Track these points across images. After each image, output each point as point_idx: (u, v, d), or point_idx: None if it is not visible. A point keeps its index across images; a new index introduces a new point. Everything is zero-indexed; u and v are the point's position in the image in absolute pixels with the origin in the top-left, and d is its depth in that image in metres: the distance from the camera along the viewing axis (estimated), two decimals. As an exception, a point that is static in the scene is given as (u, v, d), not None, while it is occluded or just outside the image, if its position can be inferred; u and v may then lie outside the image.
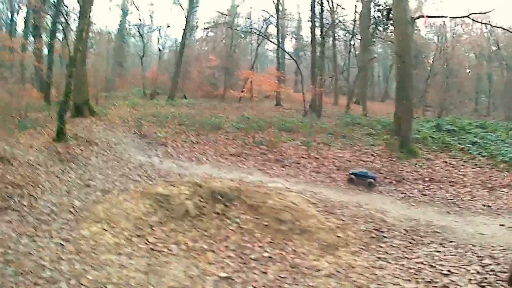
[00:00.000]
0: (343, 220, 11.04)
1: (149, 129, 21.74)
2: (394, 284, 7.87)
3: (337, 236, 9.79)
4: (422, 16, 22.60)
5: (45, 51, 36.90)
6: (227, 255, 9.01)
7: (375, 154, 18.76)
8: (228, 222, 10.26)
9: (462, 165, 18.19)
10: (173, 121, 24.14)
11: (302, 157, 18.12)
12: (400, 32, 19.68)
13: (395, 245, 9.75)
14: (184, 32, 42.92)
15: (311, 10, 35.70)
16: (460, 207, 13.49)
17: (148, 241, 9.35)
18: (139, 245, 9.18)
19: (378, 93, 56.47)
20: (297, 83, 49.02)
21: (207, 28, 53.76)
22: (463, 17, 25.60)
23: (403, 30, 19.48)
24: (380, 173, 16.38)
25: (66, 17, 32.26)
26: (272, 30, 50.04)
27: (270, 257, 8.98)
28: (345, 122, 25.38)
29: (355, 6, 43.47)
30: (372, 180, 15.14)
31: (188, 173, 15.00)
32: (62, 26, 29.92)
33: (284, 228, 9.96)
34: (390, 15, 23.79)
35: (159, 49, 50.84)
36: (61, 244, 9.07)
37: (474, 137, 21.56)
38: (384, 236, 10.25)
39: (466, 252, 9.46)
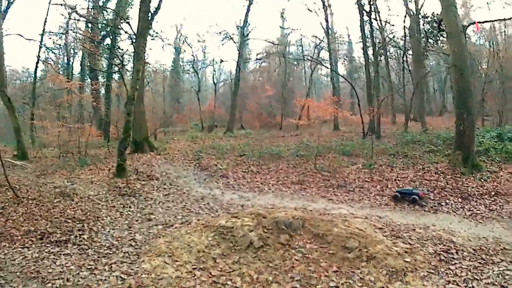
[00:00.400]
0: (410, 243, 10.30)
1: (209, 162, 21.61)
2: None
3: (405, 261, 9.13)
4: (474, 23, 21.47)
5: (103, 91, 38.37)
6: (293, 286, 8.53)
7: (439, 172, 17.70)
8: (293, 252, 9.75)
9: None
10: (232, 153, 24.01)
11: (365, 181, 17.36)
12: (453, 43, 18.76)
13: (464, 266, 9.10)
14: (237, 64, 43.59)
15: (361, 31, 35.37)
16: None
17: (211, 274, 8.97)
18: (202, 278, 8.82)
19: (435, 107, 54.54)
20: (353, 105, 48.30)
21: (259, 58, 54.41)
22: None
23: (456, 40, 18.59)
24: (445, 191, 15.37)
25: (121, 59, 33.23)
26: (324, 54, 50.12)
27: (336, 286, 8.46)
28: (405, 141, 24.43)
29: (404, 21, 42.85)
30: (415, 196, 14.57)
31: (250, 204, 14.60)
32: (118, 67, 30.75)
33: (351, 256, 9.38)
34: (441, 26, 23.00)
35: (214, 83, 51.45)
36: (121, 277, 8.89)
37: None
38: (453, 258, 9.53)
39: (538, 269, 8.71)
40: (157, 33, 39.27)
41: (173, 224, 12.24)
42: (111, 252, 10.35)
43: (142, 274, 8.94)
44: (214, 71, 57.58)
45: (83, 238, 11.32)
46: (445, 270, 8.95)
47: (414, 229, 11.51)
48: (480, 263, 9.25)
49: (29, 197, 14.54)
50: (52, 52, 42.35)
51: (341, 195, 15.87)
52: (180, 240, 10.34)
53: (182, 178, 18.90)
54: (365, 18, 34.77)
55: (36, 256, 10.14)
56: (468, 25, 20.56)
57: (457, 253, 9.78)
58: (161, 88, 48.97)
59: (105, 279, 8.82)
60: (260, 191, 16.63)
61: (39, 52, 36.15)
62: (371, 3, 34.72)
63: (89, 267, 9.49)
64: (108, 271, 9.26)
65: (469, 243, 10.42)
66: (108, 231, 11.82)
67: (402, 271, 8.79)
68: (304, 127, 38.20)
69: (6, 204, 13.94)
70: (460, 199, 14.65)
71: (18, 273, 9.34)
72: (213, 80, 52.71)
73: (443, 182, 16.40)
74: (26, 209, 13.42)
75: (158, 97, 49.24)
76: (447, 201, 14.62)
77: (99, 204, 14.32)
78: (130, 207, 14.21)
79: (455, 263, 9.26)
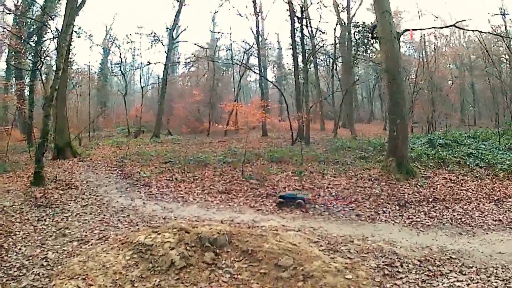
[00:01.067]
0: (350, 258, 9.81)
1: (132, 169, 20.71)
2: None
3: (346, 278, 8.55)
4: (408, 30, 21.98)
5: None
6: None
7: (372, 178, 17.65)
8: (219, 272, 9.03)
9: (463, 179, 17.36)
10: (157, 159, 23.15)
11: (296, 189, 16.84)
12: (387, 49, 18.99)
13: (411, 280, 8.66)
14: (165, 68, 42.82)
15: (291, 37, 35.40)
16: (470, 225, 12.53)
17: None
18: None
19: (363, 114, 56.18)
20: (282, 111, 48.67)
21: (188, 62, 53.70)
22: (450, 26, 25.09)
23: (389, 46, 18.82)
24: (381, 199, 15.18)
25: (41, 58, 31.60)
26: (254, 61, 49.92)
27: None
28: (335, 148, 24.47)
29: (334, 29, 43.93)
30: (300, 200, 14.57)
31: (173, 215, 13.82)
32: (36, 66, 29.20)
33: (285, 275, 8.71)
34: (374, 33, 23.44)
35: (141, 87, 50.12)
36: None
37: (468, 148, 21.12)
38: (398, 271, 9.10)
39: (489, 277, 8.67)
40: (80, 28, 37.84)
41: (89, 240, 11.30)
42: (21, 274, 9.39)
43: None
44: (142, 74, 56.19)
45: (-8, 257, 10.37)
46: (391, 286, 8.50)
47: (352, 241, 11.07)
48: (428, 275, 8.86)
49: None
50: None
51: (271, 205, 15.15)
52: (96, 260, 9.57)
53: (103, 187, 17.87)
54: (296, 24, 34.86)
55: None
56: (402, 32, 20.91)
57: (401, 266, 9.36)
58: (87, 91, 47.07)
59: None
60: (184, 201, 15.83)
61: None
62: (303, 10, 34.75)
63: None
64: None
65: (413, 254, 10.08)
66: (20, 249, 10.80)
67: None
68: (232, 133, 38.03)
69: None
70: (397, 207, 14.38)
71: None
72: (140, 84, 51.36)
73: (378, 189, 16.27)
74: None
75: (83, 100, 47.32)
76: (384, 209, 14.32)
77: (13, 216, 13.24)
78: (45, 220, 13.12)
79: (401, 277, 8.81)
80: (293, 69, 37.33)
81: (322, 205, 14.89)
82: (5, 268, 9.76)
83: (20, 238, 11.57)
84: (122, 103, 47.52)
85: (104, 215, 13.77)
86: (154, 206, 15.21)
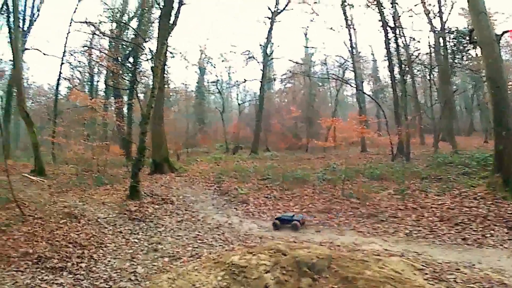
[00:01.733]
0: None
1: (229, 185, 20.18)
2: None
3: None
4: (507, 32, 19.45)
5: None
6: None
7: (478, 197, 15.42)
8: None
9: None
10: (255, 176, 22.47)
11: (398, 209, 15.25)
12: (487, 54, 16.78)
13: None
14: (261, 84, 42.71)
15: (385, 48, 33.16)
16: None
17: None
18: None
19: (462, 127, 51.89)
20: (379, 126, 46.51)
21: (284, 79, 53.43)
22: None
23: (490, 50, 16.64)
24: (488, 220, 13.15)
25: (137, 78, 32.77)
26: (349, 74, 48.20)
27: None
28: (437, 163, 22.26)
29: (428, 37, 41.41)
30: (296, 222, 13.65)
31: (270, 235, 12.93)
32: (132, 85, 30.21)
33: None
34: (472, 37, 21.12)
35: (239, 104, 50.53)
36: None
37: None
38: None
39: None
40: (174, 49, 38.86)
41: (181, 257, 10.73)
42: (107, 286, 9.03)
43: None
44: (239, 91, 56.75)
45: (80, 267, 10.07)
46: None
47: (459, 269, 9.48)
48: None
49: (36, 216, 13.61)
50: (76, 69, 42.47)
51: (372, 226, 13.81)
52: (186, 278, 8.85)
53: (199, 202, 17.49)
54: (390, 35, 32.90)
55: (27, 283, 9.04)
56: (502, 34, 18.65)
57: None
58: (185, 108, 48.13)
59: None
60: (282, 220, 15.04)
61: (60, 69, 36.12)
62: (395, 18, 32.67)
63: None
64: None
65: None
66: (109, 261, 10.49)
67: None
68: (330, 149, 36.56)
69: (11, 221, 13.08)
70: (505, 229, 12.32)
71: (4, 302, 8.17)
72: (237, 101, 51.69)
73: (485, 209, 14.22)
74: (29, 228, 12.46)
75: (182, 117, 48.37)
76: (492, 232, 12.37)
77: (105, 228, 13.10)
78: (137, 233, 12.85)
79: None
80: (390, 81, 35.21)
81: (426, 227, 13.24)
82: (92, 278, 9.48)
83: (111, 250, 11.28)
84: (220, 120, 48.10)
85: (199, 232, 13.19)
86: (251, 224, 14.41)
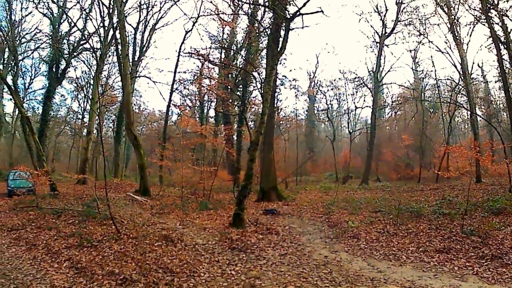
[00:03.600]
0: None
1: (339, 217, 18.47)
2: None
3: None
4: None
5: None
6: None
7: None
8: None
9: None
10: (366, 208, 20.57)
11: None
12: None
13: None
14: (372, 111, 41.40)
15: (499, 67, 29.40)
16: None
17: None
18: None
19: None
20: (493, 154, 41.96)
21: (395, 106, 51.03)
22: None
23: None
24: None
25: (246, 105, 32.57)
26: (460, 99, 44.23)
27: None
28: None
29: None
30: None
31: (383, 278, 10.89)
32: (239, 111, 29.86)
33: None
34: None
35: (349, 132, 48.75)
36: None
37: None
38: None
39: None
40: (284, 76, 38.47)
41: (282, 298, 9.12)
42: None
43: None
44: (349, 119, 54.89)
45: (167, 295, 8.95)
46: None
47: None
48: None
49: (131, 235, 13.15)
50: (188, 98, 43.77)
51: (497, 270, 11.30)
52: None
53: (306, 234, 15.81)
54: (502, 51, 28.98)
55: None
56: None
57: None
58: (295, 136, 47.42)
59: None
60: (396, 259, 12.74)
61: (170, 96, 37.18)
62: (507, 33, 28.52)
63: None
64: None
65: None
66: (199, 291, 9.23)
67: None
68: (444, 180, 34.13)
69: (105, 237, 12.95)
70: None
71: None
72: (348, 129, 50.07)
73: None
74: (122, 247, 12.03)
75: (292, 145, 47.58)
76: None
77: (202, 256, 11.96)
78: (236, 264, 11.45)
79: None
80: (506, 103, 30.97)
81: None
82: None
83: (204, 281, 10.04)
84: (330, 148, 47.11)
85: (303, 269, 11.46)
86: (362, 263, 12.42)
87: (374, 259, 12.93)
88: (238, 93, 35.58)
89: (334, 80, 64.60)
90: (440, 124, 49.79)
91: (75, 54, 39.93)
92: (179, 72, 40.29)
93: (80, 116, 51.91)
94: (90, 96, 41.96)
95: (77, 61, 44.42)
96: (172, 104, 38.80)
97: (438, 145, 41.28)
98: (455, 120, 54.15)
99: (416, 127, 45.78)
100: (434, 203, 20.85)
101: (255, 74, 31.89)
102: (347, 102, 61.52)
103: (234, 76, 37.63)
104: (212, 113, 46.83)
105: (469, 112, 40.21)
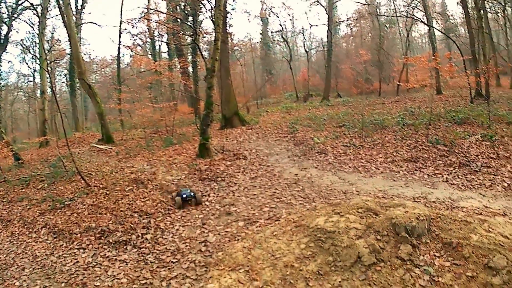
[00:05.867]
0: None
1: (304, 135, 18.57)
2: None
3: None
4: None
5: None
6: None
7: None
8: (416, 273, 6.36)
9: None
10: (330, 124, 20.68)
11: (490, 157, 13.09)
12: None
13: None
14: (328, 28, 40.39)
15: None
16: None
17: None
18: None
19: None
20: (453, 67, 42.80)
21: (350, 23, 50.70)
22: None
23: None
24: None
25: (198, 33, 31.72)
26: (417, 14, 44.01)
27: None
28: None
29: None
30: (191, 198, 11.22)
31: (355, 189, 11.32)
32: (191, 38, 29.04)
33: (497, 282, 5.88)
34: None
35: (306, 51, 48.20)
36: None
37: None
38: None
39: None
40: (235, 1, 37.54)
41: (257, 220, 9.33)
42: (174, 261, 7.95)
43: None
44: (305, 39, 54.27)
45: (146, 239, 9.11)
46: None
47: None
48: None
49: (101, 186, 12.88)
50: (137, 37, 42.55)
51: (466, 177, 11.87)
52: (263, 247, 7.47)
53: (274, 155, 15.97)
54: None
55: (88, 262, 8.37)
56: None
57: None
58: (252, 60, 46.74)
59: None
60: (366, 171, 13.08)
61: (119, 38, 35.93)
62: None
63: (144, 282, 7.29)
64: (165, 289, 6.82)
65: None
66: (177, 229, 9.42)
67: None
68: (404, 93, 34.70)
69: (76, 194, 12.57)
70: None
71: (63, 284, 7.66)
72: (304, 48, 49.42)
73: None
74: (94, 200, 11.80)
75: (249, 69, 47.07)
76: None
77: (174, 192, 11.91)
78: (209, 195, 11.63)
79: None
80: (463, 18, 31.26)
81: None
82: (157, 252, 8.51)
83: (179, 217, 10.21)
84: (288, 69, 46.57)
85: (276, 189, 11.70)
86: (332, 177, 12.73)
87: (344, 172, 13.27)
88: (188, 23, 34.66)
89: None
90: (398, 39, 49.85)
91: (15, 16, 37.81)
92: (126, 11, 38.74)
93: (31, 79, 50.06)
94: (38, 55, 40.16)
95: (18, 23, 42.24)
96: (123, 46, 37.60)
97: (397, 59, 41.36)
98: (412, 35, 54.19)
99: (373, 43, 45.45)
100: (397, 115, 21.18)
101: (204, 1, 30.86)
102: (301, 21, 60.67)
103: (182, 7, 36.35)
104: (164, 48, 45.47)
105: (426, 27, 40.14)
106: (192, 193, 11.17)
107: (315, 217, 7.97)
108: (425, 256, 6.67)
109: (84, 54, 41.43)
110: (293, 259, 6.97)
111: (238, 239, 8.27)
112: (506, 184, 11.03)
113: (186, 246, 8.46)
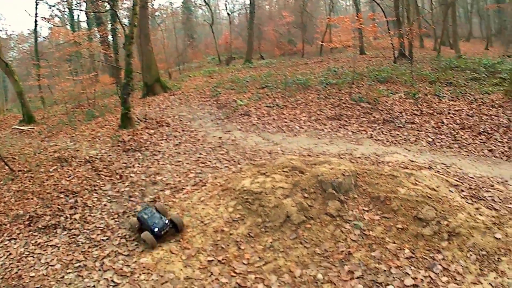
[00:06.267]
0: (496, 209, 7.04)
1: (227, 97, 18.38)
2: None
3: (496, 238, 5.96)
4: None
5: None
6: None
7: (496, 105, 13.74)
8: (347, 228, 6.52)
9: None
10: (253, 85, 20.50)
11: (414, 114, 13.66)
12: None
13: None
14: (250, -10, 39.42)
15: None
16: None
17: (235, 271, 6.04)
18: (221, 278, 5.93)
19: (461, 33, 49.44)
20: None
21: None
22: None
23: None
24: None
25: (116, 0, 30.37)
26: None
27: (415, 285, 5.43)
28: (443, 67, 20.25)
29: None
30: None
31: (280, 149, 11.36)
32: (114, 10, 27.66)
33: (427, 232, 6.16)
34: None
35: (228, 14, 47.41)
36: (113, 281, 6.27)
37: None
38: None
39: None
40: None
41: (183, 187, 9.15)
42: (105, 239, 7.64)
43: (139, 275, 6.18)
44: (227, 1, 53.41)
45: (75, 219, 8.62)
46: None
47: (493, 185, 8.18)
48: None
49: (25, 170, 12.04)
50: (55, 8, 40.20)
51: (390, 133, 12.34)
52: (192, 214, 7.37)
53: (197, 120, 15.71)
54: None
55: (21, 252, 7.81)
56: None
57: None
58: (173, 25, 45.44)
59: (94, 286, 6.23)
60: (290, 130, 13.17)
61: (36, 10, 33.68)
62: None
63: (77, 265, 6.94)
64: (99, 270, 6.63)
65: None
66: (105, 205, 9.02)
67: (494, 254, 5.71)
68: (327, 53, 35.03)
69: (1, 182, 11.66)
70: None
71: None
72: (227, 11, 48.64)
73: (505, 118, 12.54)
74: (20, 185, 10.99)
75: (170, 35, 45.78)
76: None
77: (98, 167, 11.40)
78: (133, 166, 11.21)
79: None
80: None
81: (449, 135, 11.79)
82: (87, 231, 8.10)
83: (106, 192, 9.72)
84: (210, 33, 45.58)
85: (200, 154, 11.54)
86: (256, 138, 12.73)
87: (268, 132, 13.29)
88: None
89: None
90: (321, 0, 49.98)
91: None
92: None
93: None
94: None
95: None
96: (40, 18, 35.42)
97: (320, 20, 41.51)
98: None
99: (296, 5, 44.91)
100: (320, 74, 21.28)
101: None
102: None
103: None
104: (83, 17, 43.34)
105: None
106: (167, 221, 7.19)
107: (241, 179, 7.95)
108: (354, 211, 6.84)
109: (0, 30, 38.79)
110: (223, 224, 6.93)
111: (167, 209, 8.06)
112: (430, 139, 11.58)
113: (115, 221, 8.16)
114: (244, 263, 6.15)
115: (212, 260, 6.27)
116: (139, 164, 11.34)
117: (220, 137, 13.06)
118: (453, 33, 33.03)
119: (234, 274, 5.93)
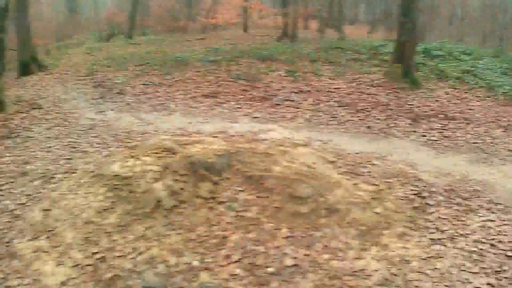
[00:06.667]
0: (375, 184, 7.47)
1: (104, 76, 17.62)
2: (463, 283, 5.11)
3: (376, 213, 6.40)
4: None
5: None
6: (231, 273, 5.53)
7: (375, 85, 14.88)
8: (221, 210, 6.48)
9: (465, 97, 14.66)
10: (132, 62, 19.74)
11: (293, 92, 14.10)
12: None
13: (443, 217, 6.55)
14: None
15: None
16: (486, 152, 9.94)
17: (111, 266, 5.81)
18: (95, 276, 5.67)
19: (347, 17, 51.51)
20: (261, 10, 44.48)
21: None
22: None
23: None
24: (390, 109, 12.67)
25: None
26: None
27: (295, 265, 5.57)
28: (325, 47, 20.83)
29: None
30: None
31: (153, 129, 11.12)
32: None
33: (305, 210, 6.34)
34: None
35: (113, -13, 45.17)
36: None
37: (465, 65, 17.87)
38: (428, 204, 6.92)
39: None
40: None
41: (54, 175, 8.51)
42: None
43: (13, 279, 5.73)
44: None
45: None
46: (424, 222, 6.38)
47: (370, 161, 8.69)
48: (458, 210, 6.74)
49: None
50: None
51: (268, 110, 12.58)
52: (62, 206, 6.96)
53: (70, 101, 14.73)
54: None
55: None
56: None
57: (430, 196, 7.14)
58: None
59: None
60: (164, 109, 13.00)
61: None
62: None
63: None
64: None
65: (437, 182, 7.79)
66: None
67: (375, 228, 6.10)
68: (210, 31, 34.55)
69: None
70: (408, 120, 11.93)
71: None
72: (111, -16, 46.25)
73: (384, 97, 13.57)
74: None
75: (51, 8, 42.76)
76: (396, 122, 11.80)
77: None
78: (3, 156, 10.16)
79: (432, 212, 6.67)
80: None
81: (327, 113, 12.35)
82: None
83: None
84: (93, 7, 43.06)
85: (71, 138, 10.89)
86: (130, 118, 12.32)
87: (142, 112, 12.97)
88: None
89: None
90: None
91: None
92: None
93: None
94: None
95: None
96: None
97: None
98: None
99: None
100: (201, 52, 21.10)
101: None
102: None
103: None
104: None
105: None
106: None
107: (111, 163, 7.62)
108: (228, 192, 6.79)
109: None
110: (93, 214, 6.59)
111: (36, 203, 7.50)
112: (307, 117, 11.95)
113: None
114: (117, 256, 5.91)
115: (85, 256, 5.96)
116: (9, 152, 10.35)
117: (92, 119, 12.43)
118: (338, 16, 34.39)
119: (109, 269, 5.72)
